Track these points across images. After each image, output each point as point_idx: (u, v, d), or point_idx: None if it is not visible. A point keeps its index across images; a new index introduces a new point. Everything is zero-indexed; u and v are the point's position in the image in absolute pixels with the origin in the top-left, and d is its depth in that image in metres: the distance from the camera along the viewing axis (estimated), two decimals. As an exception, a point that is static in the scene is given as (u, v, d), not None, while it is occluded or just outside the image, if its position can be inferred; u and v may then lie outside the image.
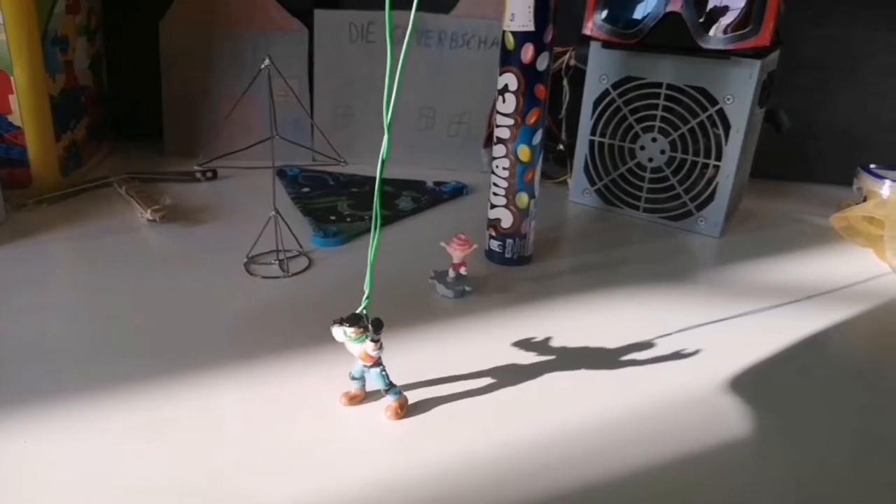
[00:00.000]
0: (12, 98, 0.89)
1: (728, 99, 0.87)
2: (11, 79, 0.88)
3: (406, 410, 0.54)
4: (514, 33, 0.71)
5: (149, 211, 0.87)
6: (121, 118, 1.19)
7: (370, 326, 0.51)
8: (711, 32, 0.85)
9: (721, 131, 0.88)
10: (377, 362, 0.53)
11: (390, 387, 0.54)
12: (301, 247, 0.82)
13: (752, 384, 0.61)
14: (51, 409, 0.53)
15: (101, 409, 0.53)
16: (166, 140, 1.15)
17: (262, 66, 0.71)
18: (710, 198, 0.92)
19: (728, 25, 0.85)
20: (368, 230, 0.89)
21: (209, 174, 1.04)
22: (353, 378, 0.55)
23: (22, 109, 0.90)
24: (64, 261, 0.79)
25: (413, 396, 0.57)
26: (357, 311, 0.52)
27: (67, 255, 0.80)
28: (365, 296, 0.52)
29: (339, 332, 0.51)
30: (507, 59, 0.73)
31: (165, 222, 0.87)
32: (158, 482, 0.47)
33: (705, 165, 0.91)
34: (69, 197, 0.94)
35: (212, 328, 0.66)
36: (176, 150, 1.14)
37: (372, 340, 0.51)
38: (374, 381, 0.54)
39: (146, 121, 1.16)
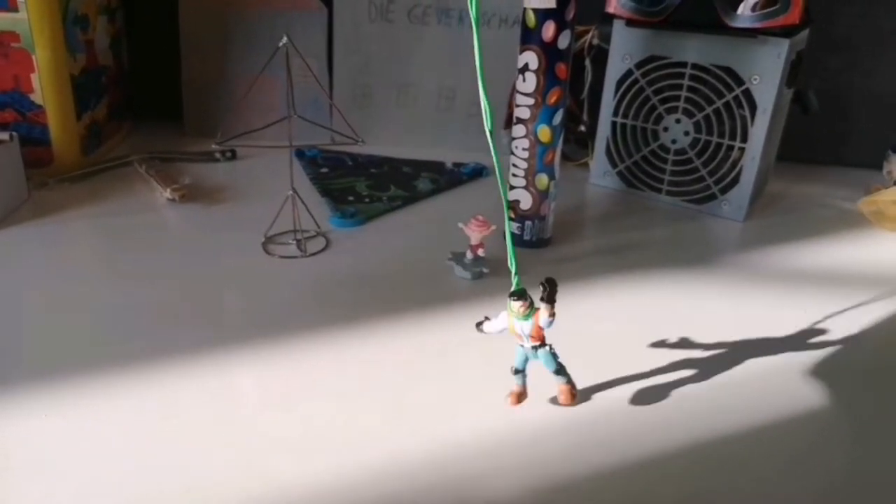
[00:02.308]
0: (34, 77, 0.89)
1: (755, 79, 0.84)
2: (33, 57, 0.88)
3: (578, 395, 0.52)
4: (535, 10, 0.70)
5: (168, 190, 0.87)
6: (141, 98, 1.19)
7: (545, 287, 0.46)
8: (739, 10, 0.83)
9: (747, 112, 0.86)
10: (543, 339, 0.49)
11: (560, 367, 0.51)
12: (319, 227, 0.82)
13: (775, 370, 0.60)
14: (70, 384, 0.53)
15: (117, 385, 0.54)
16: (186, 120, 1.15)
17: (280, 44, 0.70)
18: (735, 181, 0.90)
19: (756, 3, 0.82)
20: (387, 211, 0.88)
21: (228, 154, 1.04)
22: (517, 371, 0.51)
23: (43, 88, 0.90)
24: (84, 239, 0.80)
25: (430, 376, 0.56)
26: (517, 288, 0.48)
27: (88, 233, 0.81)
28: (513, 273, 0.48)
29: (499, 320, 0.49)
30: (528, 37, 0.71)
31: (184, 202, 0.88)
32: (172, 459, 0.47)
33: (730, 147, 0.89)
34: (90, 176, 0.95)
35: (229, 307, 0.66)
36: (195, 129, 1.14)
37: (549, 302, 0.46)
38: (542, 364, 0.50)
39: (166, 100, 1.16)
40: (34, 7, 0.86)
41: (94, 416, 0.50)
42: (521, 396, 0.52)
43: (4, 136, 0.82)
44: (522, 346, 0.50)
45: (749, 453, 0.50)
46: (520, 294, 0.47)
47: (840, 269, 0.78)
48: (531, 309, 0.48)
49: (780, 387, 0.57)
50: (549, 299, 0.47)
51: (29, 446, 0.47)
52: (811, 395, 0.56)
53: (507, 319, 0.49)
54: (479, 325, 0.53)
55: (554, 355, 0.50)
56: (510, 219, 0.46)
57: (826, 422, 0.54)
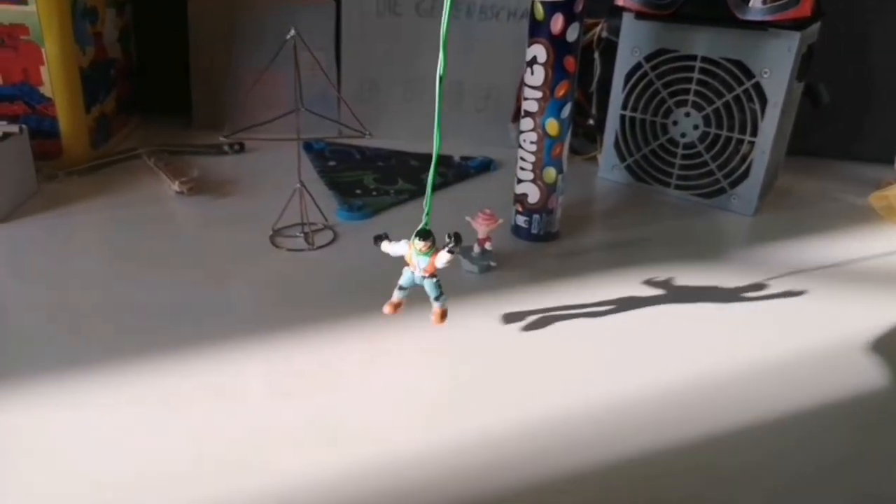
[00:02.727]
0: (43, 69, 0.89)
1: (765, 72, 0.84)
2: (43, 50, 0.88)
3: (447, 317, 0.58)
4: (543, 3, 0.69)
5: (177, 183, 0.88)
6: (149, 91, 1.19)
7: (453, 239, 0.54)
8: (749, 3, 0.82)
9: (757, 106, 0.86)
10: (434, 273, 0.57)
11: (440, 294, 0.58)
12: (326, 220, 0.82)
13: (785, 367, 0.59)
14: (77, 375, 0.54)
15: (125, 376, 0.54)
16: (195, 113, 1.15)
17: (288, 37, 0.70)
18: (745, 175, 0.89)
19: (767, -5, 0.82)
20: (394, 204, 0.88)
21: (236, 147, 1.04)
22: (402, 288, 0.59)
23: (53, 81, 0.90)
24: (93, 231, 0.80)
25: (436, 368, 0.56)
26: (423, 227, 0.55)
27: (96, 225, 0.81)
28: (425, 213, 0.55)
29: (400, 247, 0.57)
30: (536, 30, 0.71)
31: (193, 194, 0.88)
32: (179, 449, 0.47)
33: (740, 141, 0.89)
34: (99, 168, 0.95)
35: (237, 299, 0.66)
36: (204, 122, 1.14)
37: (449, 252, 0.54)
38: (426, 289, 0.57)
39: (175, 94, 1.16)
40: (43, 0, 0.86)
41: (102, 407, 0.51)
42: (398, 307, 0.59)
43: (14, 128, 0.83)
44: (413, 272, 0.57)
45: (756, 449, 0.50)
46: (426, 234, 0.55)
47: (850, 263, 0.78)
48: (431, 249, 0.55)
49: (789, 382, 0.57)
50: (453, 251, 0.54)
51: (39, 436, 0.48)
52: (820, 391, 0.56)
53: (408, 250, 0.57)
54: (377, 239, 0.59)
55: (438, 285, 0.58)
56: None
57: (834, 418, 0.54)
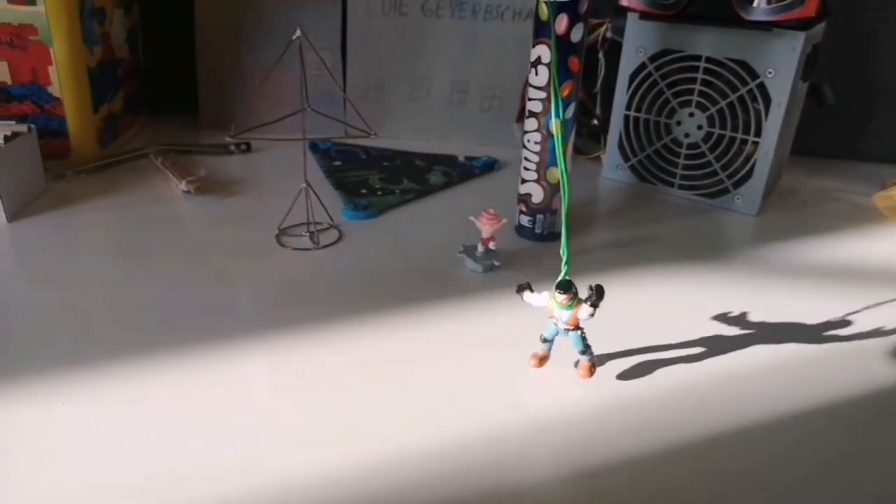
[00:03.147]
0: (51, 69, 0.90)
1: (769, 72, 0.84)
2: (51, 50, 0.89)
3: (596, 372, 0.56)
4: (548, 3, 0.70)
5: (184, 182, 0.88)
6: (157, 90, 1.20)
7: (594, 293, 0.52)
8: (754, 3, 0.82)
9: (761, 106, 0.86)
10: (577, 325, 0.55)
11: (587, 348, 0.55)
12: (332, 219, 0.82)
13: (788, 367, 0.59)
14: (82, 373, 0.54)
15: (131, 374, 0.55)
16: (201, 112, 1.16)
17: (294, 37, 0.71)
18: (748, 175, 0.89)
19: (772, -4, 0.82)
20: (399, 204, 0.89)
21: (243, 147, 1.05)
22: (545, 340, 0.57)
23: (61, 81, 0.91)
24: (101, 230, 0.81)
25: (441, 367, 0.57)
26: (564, 279, 0.53)
27: (104, 224, 0.82)
28: (563, 262, 0.53)
29: (540, 298, 0.55)
30: (541, 31, 0.71)
31: (200, 193, 0.89)
32: (184, 449, 0.48)
33: (744, 141, 0.89)
34: (106, 168, 0.96)
35: (242, 298, 0.67)
36: (211, 122, 1.15)
37: (592, 306, 0.52)
38: (572, 343, 0.55)
39: (181, 93, 1.17)
40: (52, 0, 0.87)
41: (108, 404, 0.51)
42: (543, 360, 0.57)
43: (23, 128, 0.84)
44: (556, 324, 0.55)
45: (758, 447, 0.50)
46: (566, 288, 0.53)
47: (854, 264, 0.78)
48: (573, 301, 0.53)
49: (792, 382, 0.57)
50: (595, 304, 0.52)
51: (44, 433, 0.48)
52: (824, 391, 0.56)
53: (548, 302, 0.55)
54: (520, 289, 0.57)
55: (583, 338, 0.55)
56: None
57: (838, 417, 0.54)
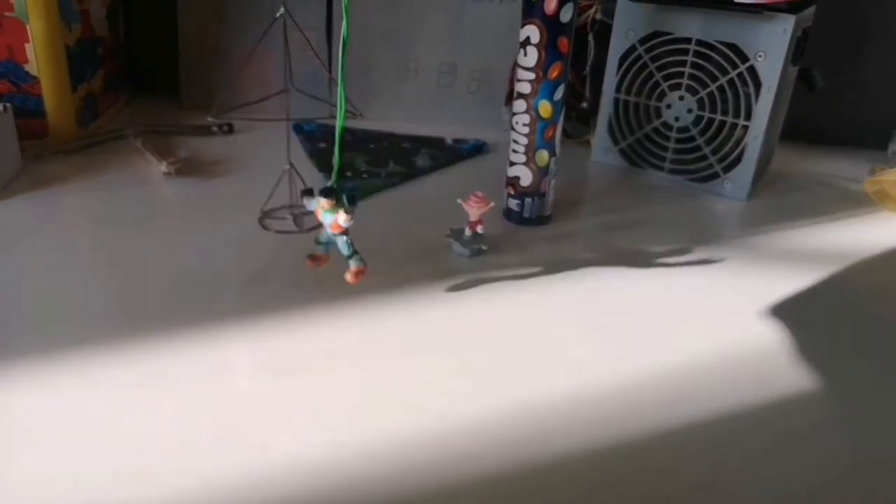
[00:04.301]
0: (28, 47, 0.88)
1: (760, 56, 0.83)
2: (27, 27, 0.87)
3: (364, 277, 0.58)
4: (536, -18, 0.68)
5: (164, 164, 0.87)
6: (138, 70, 1.18)
7: (345, 200, 0.55)
8: (745, -15, 0.81)
9: (751, 90, 0.85)
10: (345, 231, 0.57)
11: (353, 253, 0.58)
12: (316, 202, 0.81)
13: (776, 349, 0.59)
14: (67, 357, 0.53)
15: (114, 357, 0.53)
16: (183, 93, 1.13)
17: (277, 15, 0.69)
18: (738, 159, 0.89)
19: (763, -22, 0.81)
20: (385, 187, 0.88)
21: (225, 128, 1.03)
22: (319, 243, 0.59)
23: (38, 59, 0.89)
24: (79, 211, 0.79)
25: (426, 353, 0.56)
26: (328, 185, 0.56)
27: (83, 205, 0.80)
28: (335, 170, 0.56)
29: (312, 203, 0.57)
30: (530, 11, 0.70)
31: (180, 175, 0.87)
32: (170, 429, 0.47)
33: (734, 125, 0.88)
34: (85, 148, 0.94)
35: (225, 281, 0.65)
36: (193, 103, 1.12)
37: (346, 212, 0.55)
38: (339, 247, 0.58)
39: (163, 73, 1.15)
40: (28, -25, 0.84)
41: (90, 387, 0.50)
42: (318, 261, 0.60)
43: (-2, 107, 0.81)
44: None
45: (741, 432, 0.50)
46: (328, 192, 0.55)
47: (843, 248, 0.78)
48: (336, 207, 0.56)
49: (780, 366, 0.57)
50: (347, 210, 0.55)
51: (30, 416, 0.47)
52: (812, 374, 0.56)
53: (316, 208, 0.57)
54: (304, 193, 0.60)
55: (350, 243, 0.58)
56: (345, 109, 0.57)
57: (824, 400, 0.54)
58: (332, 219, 0.56)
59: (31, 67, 0.89)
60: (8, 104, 0.83)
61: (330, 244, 0.59)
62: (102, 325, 0.57)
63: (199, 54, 1.12)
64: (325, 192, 0.55)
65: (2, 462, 0.44)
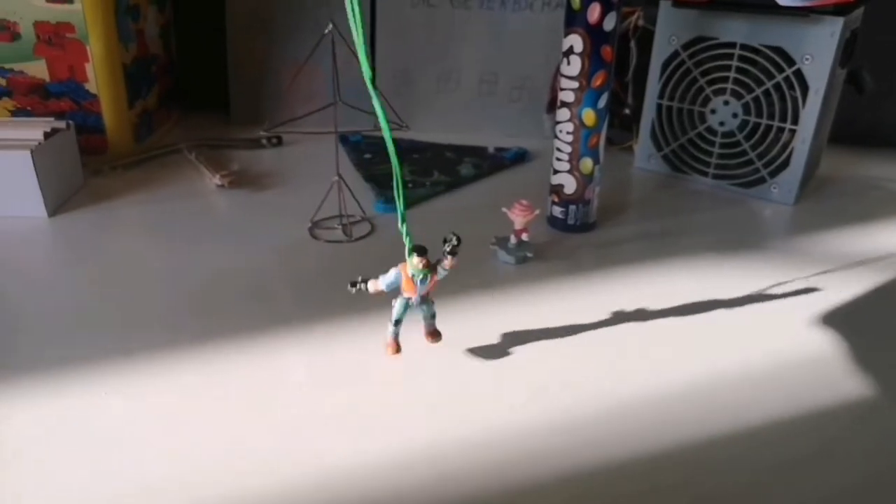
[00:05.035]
0: (88, 67, 0.92)
1: (807, 59, 0.82)
2: (87, 48, 0.91)
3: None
4: (580, -8, 0.69)
5: (217, 176, 0.89)
6: (190, 86, 1.22)
7: (452, 241, 0.51)
8: (791, -12, 0.80)
9: (798, 93, 0.84)
10: (427, 295, 0.53)
11: (435, 313, 0.55)
12: (364, 212, 0.83)
13: (830, 358, 0.58)
14: (126, 364, 0.56)
15: (168, 365, 0.56)
16: (233, 107, 1.17)
17: (326, 31, 0.71)
18: (785, 164, 0.88)
19: (809, -20, 0.80)
20: (430, 196, 0.89)
21: (274, 140, 1.06)
22: (398, 323, 0.55)
23: (97, 78, 0.93)
24: (138, 223, 0.82)
25: (473, 361, 0.57)
26: (413, 245, 0.51)
27: (140, 217, 0.83)
28: (404, 233, 0.51)
29: (389, 276, 0.52)
30: (573, 20, 0.71)
31: (233, 187, 0.90)
32: (225, 437, 0.49)
33: (780, 129, 0.87)
34: (142, 163, 0.98)
35: (277, 290, 0.67)
36: (243, 117, 1.16)
37: (452, 254, 0.51)
38: (424, 312, 0.55)
39: (214, 89, 1.19)
40: (88, -1, 0.88)
41: (148, 394, 0.52)
42: (398, 346, 0.55)
43: (61, 124, 0.85)
44: (409, 298, 0.53)
45: (792, 439, 0.49)
46: (421, 250, 0.51)
47: (893, 254, 0.76)
48: (430, 265, 0.52)
49: (832, 374, 0.56)
50: (454, 252, 0.51)
51: (86, 422, 0.50)
52: (864, 383, 0.55)
53: (401, 276, 0.52)
54: (354, 285, 0.54)
55: (433, 303, 0.55)
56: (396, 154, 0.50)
57: (878, 409, 0.53)
58: (428, 281, 0.52)
59: (91, 86, 0.93)
60: (70, 122, 0.87)
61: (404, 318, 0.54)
62: (157, 333, 0.60)
63: (248, 70, 1.15)
64: (421, 251, 0.50)
65: (63, 462, 0.46)
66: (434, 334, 0.56)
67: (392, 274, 0.53)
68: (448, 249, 0.51)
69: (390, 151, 0.48)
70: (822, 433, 0.50)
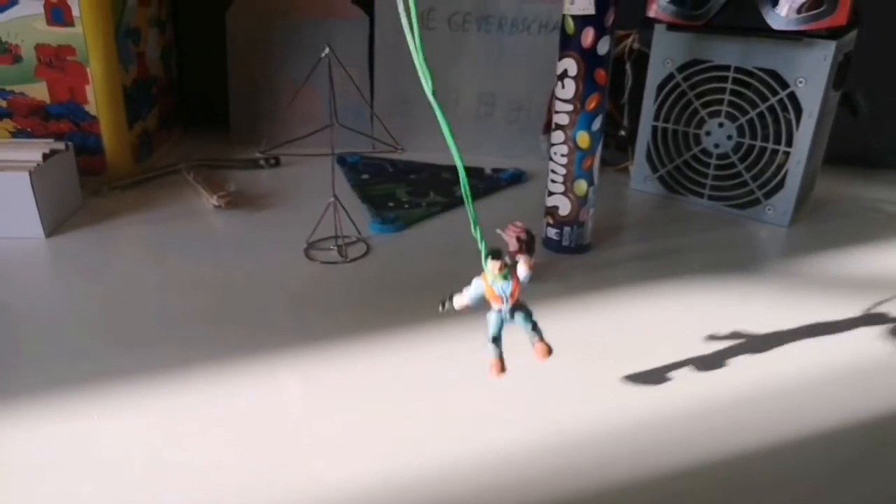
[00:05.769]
0: (88, 88, 0.93)
1: (800, 82, 0.83)
2: (88, 70, 0.92)
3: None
4: (574, 17, 0.70)
5: (214, 197, 0.90)
6: (189, 107, 1.23)
7: (525, 239, 0.45)
8: (783, 13, 0.81)
9: (792, 116, 0.85)
10: (519, 302, 0.47)
11: (536, 323, 0.49)
12: (359, 233, 0.83)
13: (823, 379, 0.58)
14: (118, 386, 0.56)
15: (163, 387, 0.56)
16: (232, 128, 1.18)
17: (322, 55, 0.72)
18: (780, 185, 0.88)
19: (802, 4, 0.81)
20: (426, 216, 0.89)
21: (272, 161, 1.07)
22: (496, 339, 0.49)
23: (97, 99, 0.94)
24: (135, 244, 0.83)
25: (466, 384, 0.57)
26: (487, 249, 0.46)
27: (139, 238, 0.83)
28: (479, 236, 0.45)
29: (473, 288, 0.47)
30: (567, 44, 0.71)
31: (230, 208, 0.90)
32: (221, 460, 0.48)
33: (775, 151, 0.88)
34: (141, 183, 0.98)
35: (273, 311, 0.68)
36: (242, 137, 1.17)
37: (528, 252, 0.46)
38: (521, 323, 0.48)
39: (214, 109, 1.20)
40: (88, 22, 0.89)
41: (140, 418, 0.52)
42: (503, 366, 0.49)
43: (60, 145, 0.86)
44: (500, 310, 0.48)
45: (789, 465, 0.49)
46: (497, 253, 0.45)
47: (890, 275, 0.76)
48: (508, 268, 0.46)
49: (829, 396, 0.56)
50: (529, 250, 0.46)
51: (78, 446, 0.49)
52: (861, 406, 0.55)
53: (482, 285, 0.47)
54: (443, 305, 0.50)
55: (531, 312, 0.49)
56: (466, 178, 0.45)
57: (873, 433, 0.53)
58: (511, 284, 0.46)
59: (91, 108, 0.94)
60: (69, 143, 0.87)
61: (502, 337, 0.48)
62: (154, 354, 0.60)
63: (247, 91, 1.16)
64: (496, 254, 0.45)
65: (53, 490, 0.46)
66: (542, 352, 0.49)
67: (474, 285, 0.48)
68: (521, 248, 0.46)
69: (458, 167, 0.45)
70: (813, 458, 0.50)
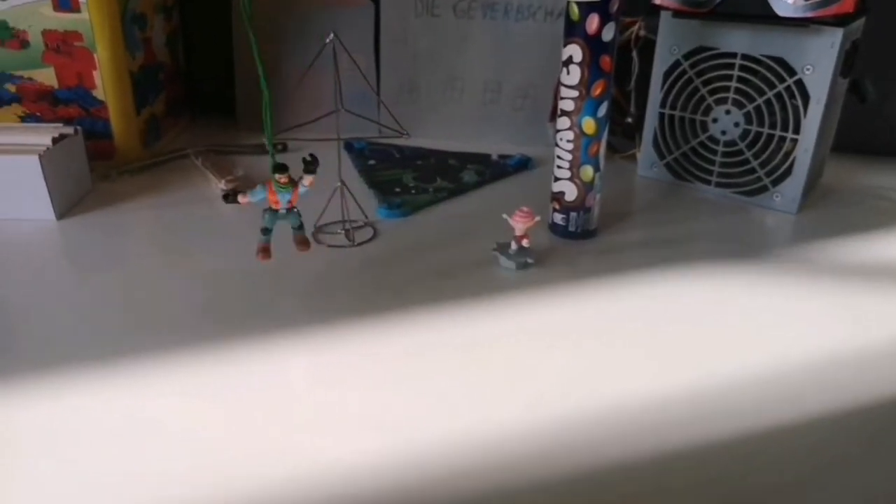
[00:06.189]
0: (96, 74, 0.93)
1: (807, 69, 0.83)
2: (95, 56, 0.92)
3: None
4: (578, 3, 0.70)
5: (222, 182, 0.90)
6: (197, 92, 1.23)
7: (310, 162, 0.62)
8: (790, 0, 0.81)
9: (800, 103, 0.85)
10: (293, 208, 0.64)
11: (302, 224, 0.66)
12: (366, 217, 0.83)
13: (828, 366, 0.59)
14: (128, 367, 0.56)
15: (171, 369, 0.56)
16: (239, 114, 1.18)
17: (327, 40, 0.72)
18: (787, 172, 0.88)
19: (810, -10, 0.81)
20: (433, 202, 0.90)
21: (279, 146, 1.07)
22: (267, 230, 0.65)
23: (105, 85, 0.94)
24: (144, 228, 0.83)
25: (473, 365, 0.57)
26: (275, 163, 0.62)
27: (147, 222, 0.84)
28: (271, 151, 0.64)
29: (258, 191, 0.63)
30: (572, 30, 0.71)
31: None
32: (231, 441, 0.49)
33: (782, 139, 0.87)
34: (149, 168, 0.99)
35: (281, 294, 0.68)
36: (248, 123, 1.17)
37: (310, 172, 0.62)
38: (290, 222, 0.65)
39: (221, 95, 1.20)
40: (95, 8, 0.90)
41: (150, 398, 0.53)
42: (268, 252, 0.65)
43: (69, 130, 0.86)
44: (277, 210, 0.64)
45: (791, 450, 0.50)
46: (283, 168, 0.62)
47: (896, 262, 0.76)
48: (291, 181, 0.62)
49: (832, 383, 0.57)
50: (311, 171, 0.63)
51: (93, 423, 0.50)
52: (865, 393, 0.55)
53: (266, 190, 0.63)
54: (227, 198, 0.64)
55: (299, 214, 0.66)
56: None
57: (878, 421, 0.53)
58: (291, 193, 0.63)
59: (99, 93, 0.95)
60: (78, 127, 0.88)
61: (273, 228, 0.64)
62: (160, 336, 0.61)
63: (254, 77, 1.16)
64: (280, 168, 0.61)
65: (65, 463, 0.47)
66: (303, 243, 0.66)
67: (258, 189, 0.63)
68: (304, 168, 0.62)
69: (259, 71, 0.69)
70: (822, 443, 0.50)
